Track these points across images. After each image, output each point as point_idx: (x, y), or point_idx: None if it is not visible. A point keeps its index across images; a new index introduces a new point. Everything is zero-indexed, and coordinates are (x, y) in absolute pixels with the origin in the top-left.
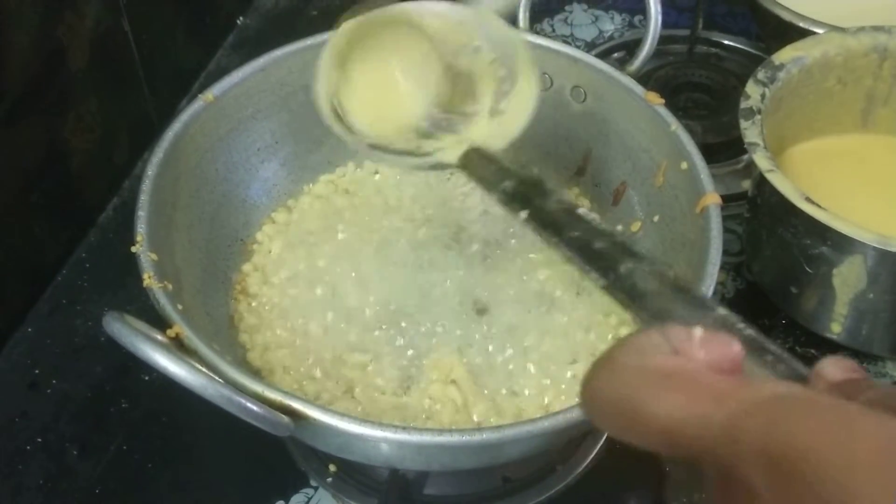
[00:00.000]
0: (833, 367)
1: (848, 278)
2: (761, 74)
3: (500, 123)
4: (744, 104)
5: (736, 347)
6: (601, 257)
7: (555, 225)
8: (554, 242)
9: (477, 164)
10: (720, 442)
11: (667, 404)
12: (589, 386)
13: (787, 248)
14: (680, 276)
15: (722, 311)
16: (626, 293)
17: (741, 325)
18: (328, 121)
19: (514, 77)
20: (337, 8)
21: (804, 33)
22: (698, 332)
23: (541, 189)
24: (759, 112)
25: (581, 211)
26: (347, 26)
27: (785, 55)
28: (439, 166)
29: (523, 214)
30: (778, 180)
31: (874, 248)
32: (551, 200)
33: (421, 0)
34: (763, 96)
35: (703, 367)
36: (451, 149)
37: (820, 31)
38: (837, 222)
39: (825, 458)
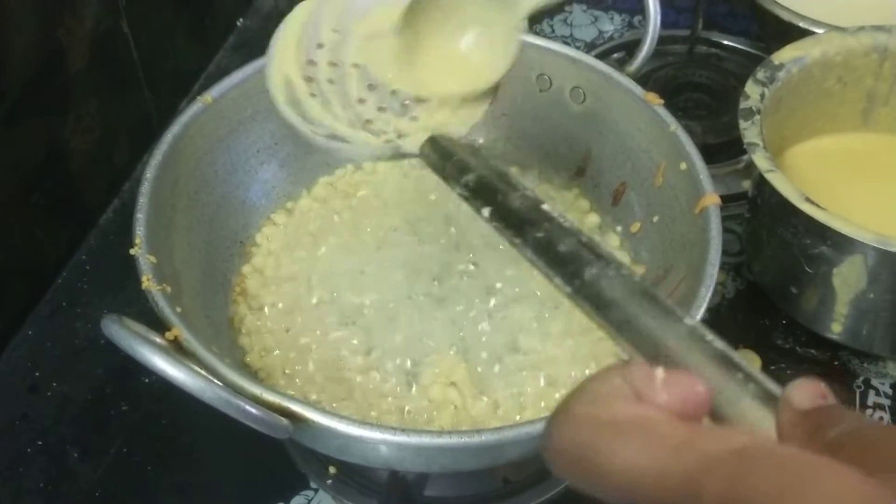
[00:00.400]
0: (802, 394)
1: (848, 278)
2: (760, 74)
3: (460, 107)
4: (743, 104)
5: (700, 389)
6: (566, 261)
7: (518, 223)
8: (517, 244)
9: (438, 154)
10: (679, 496)
11: (623, 456)
12: (547, 436)
13: (787, 248)
14: (647, 284)
15: (690, 321)
16: (591, 302)
17: (710, 338)
18: (281, 106)
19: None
20: None
21: (804, 33)
22: (660, 373)
23: (504, 182)
24: (759, 112)
25: (546, 207)
26: (304, 6)
27: (784, 55)
28: (399, 155)
29: (485, 212)
30: (777, 180)
31: (874, 248)
32: (515, 196)
33: None
34: (762, 96)
35: (663, 415)
36: (412, 136)
37: (820, 30)
38: (837, 222)
39: None
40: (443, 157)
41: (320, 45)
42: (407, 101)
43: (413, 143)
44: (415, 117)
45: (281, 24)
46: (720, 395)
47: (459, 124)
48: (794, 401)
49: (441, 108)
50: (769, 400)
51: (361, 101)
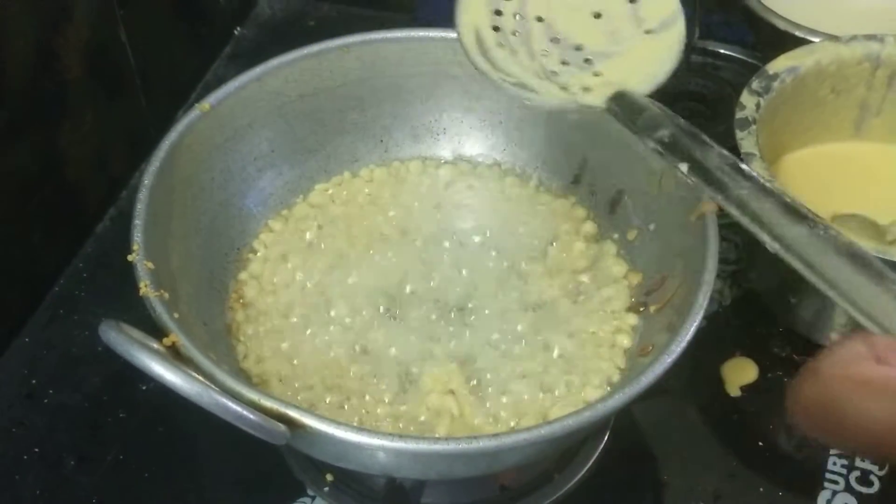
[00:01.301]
0: None
1: None
2: (755, 84)
3: (643, 64)
4: (739, 114)
5: None
6: (771, 220)
7: (718, 181)
8: (719, 200)
9: (626, 109)
10: None
11: (872, 410)
12: (797, 396)
13: None
14: (857, 244)
15: None
16: (801, 260)
17: None
18: (472, 56)
19: (655, 18)
20: (334, 18)
21: (799, 42)
22: None
23: (699, 141)
24: (755, 122)
25: (744, 167)
26: None
27: (779, 64)
28: (585, 108)
29: (683, 167)
30: None
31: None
32: (713, 154)
33: None
34: (758, 106)
35: None
36: (596, 91)
37: (815, 39)
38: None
39: None
40: (632, 112)
41: None
42: (590, 57)
43: (597, 97)
44: (598, 73)
45: None
46: None
47: (643, 81)
48: None
49: (625, 63)
50: None
51: (545, 53)
